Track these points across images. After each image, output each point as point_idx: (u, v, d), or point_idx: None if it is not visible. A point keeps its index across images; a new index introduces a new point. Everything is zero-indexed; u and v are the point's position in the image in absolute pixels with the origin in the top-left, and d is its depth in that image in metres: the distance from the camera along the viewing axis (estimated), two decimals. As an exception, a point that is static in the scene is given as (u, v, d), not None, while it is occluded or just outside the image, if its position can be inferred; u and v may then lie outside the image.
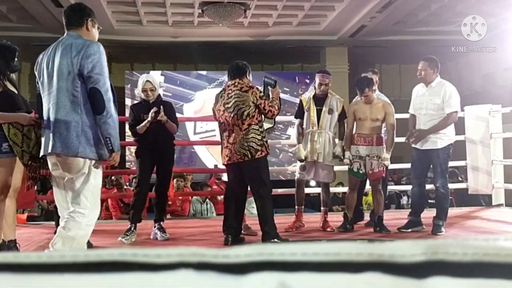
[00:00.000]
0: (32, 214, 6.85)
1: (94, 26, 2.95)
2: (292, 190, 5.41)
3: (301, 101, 5.00)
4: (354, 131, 4.74)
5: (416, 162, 4.70)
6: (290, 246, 0.33)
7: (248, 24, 10.70)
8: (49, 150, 2.78)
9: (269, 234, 4.00)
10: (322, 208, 4.94)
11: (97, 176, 2.85)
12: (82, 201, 2.78)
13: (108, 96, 2.76)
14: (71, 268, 0.31)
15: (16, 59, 3.52)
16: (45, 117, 2.86)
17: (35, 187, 5.53)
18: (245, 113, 4.02)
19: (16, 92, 3.52)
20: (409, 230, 4.57)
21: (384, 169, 4.72)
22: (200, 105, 12.73)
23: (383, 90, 14.44)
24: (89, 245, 4.12)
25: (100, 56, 2.76)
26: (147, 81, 4.41)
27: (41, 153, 2.92)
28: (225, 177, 10.08)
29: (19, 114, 3.35)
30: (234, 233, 4.14)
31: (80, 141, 2.72)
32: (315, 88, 4.91)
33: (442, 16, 10.22)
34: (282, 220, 5.54)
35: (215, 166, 12.27)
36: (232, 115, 4.03)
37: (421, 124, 4.56)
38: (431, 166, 4.61)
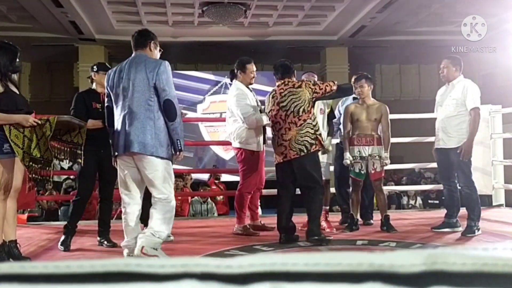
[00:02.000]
0: (33, 214, 6.86)
1: (156, 47, 3.48)
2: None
3: None
4: (351, 133, 4.75)
5: (439, 163, 4.68)
6: (292, 256, 0.34)
7: (248, 24, 10.71)
8: (129, 150, 3.24)
9: (313, 231, 4.05)
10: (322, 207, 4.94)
11: (170, 170, 3.36)
12: (165, 190, 3.29)
13: (178, 106, 3.31)
14: (77, 279, 0.32)
15: (17, 59, 3.52)
16: (118, 122, 3.33)
17: (36, 187, 5.54)
18: (301, 109, 4.09)
19: (17, 92, 3.52)
20: (442, 230, 4.54)
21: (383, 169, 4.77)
22: (207, 104, 12.99)
23: (383, 90, 14.51)
24: (113, 244, 4.13)
25: (170, 72, 3.31)
26: None
27: (115, 153, 3.38)
28: (224, 177, 10.11)
29: (21, 116, 3.35)
30: (289, 232, 4.20)
31: (154, 142, 3.21)
32: None
33: (442, 16, 10.23)
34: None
35: (214, 166, 12.31)
36: (288, 113, 4.10)
37: (439, 120, 4.53)
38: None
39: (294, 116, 4.08)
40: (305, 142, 4.06)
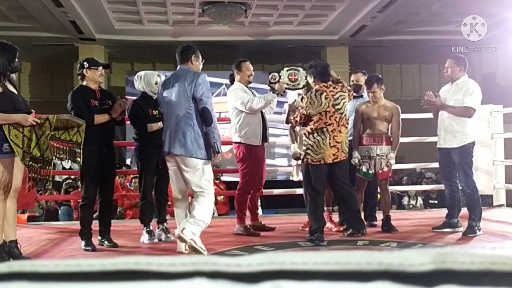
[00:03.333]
0: (33, 214, 6.85)
1: (197, 59, 3.88)
2: (290, 190, 5.39)
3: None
4: (361, 132, 4.75)
5: (440, 163, 4.67)
6: (301, 255, 0.34)
7: (249, 24, 10.70)
8: (172, 152, 3.69)
9: (360, 228, 4.36)
10: (325, 207, 4.93)
11: (208, 169, 3.74)
12: (204, 185, 3.67)
13: (214, 113, 3.72)
14: (88, 277, 0.32)
15: (16, 59, 3.51)
16: (165, 128, 3.82)
17: (36, 187, 5.54)
18: (348, 113, 4.38)
19: (16, 92, 3.52)
20: (443, 230, 4.55)
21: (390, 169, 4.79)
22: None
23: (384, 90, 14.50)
24: (114, 244, 4.13)
25: (207, 83, 3.76)
26: (158, 75, 4.49)
27: (162, 154, 3.81)
28: (224, 177, 10.09)
29: (20, 115, 3.35)
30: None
31: (193, 146, 3.64)
32: None
33: (443, 16, 10.23)
34: (283, 220, 5.56)
35: (215, 166, 12.29)
36: (342, 116, 4.26)
37: (441, 120, 4.52)
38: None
39: (346, 120, 4.29)
40: (348, 145, 4.35)
